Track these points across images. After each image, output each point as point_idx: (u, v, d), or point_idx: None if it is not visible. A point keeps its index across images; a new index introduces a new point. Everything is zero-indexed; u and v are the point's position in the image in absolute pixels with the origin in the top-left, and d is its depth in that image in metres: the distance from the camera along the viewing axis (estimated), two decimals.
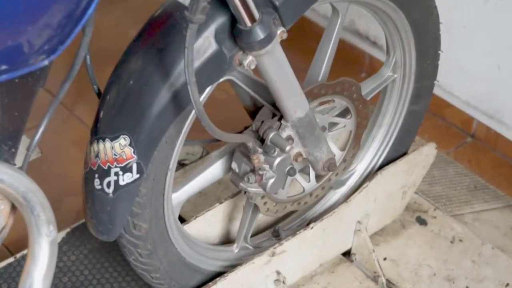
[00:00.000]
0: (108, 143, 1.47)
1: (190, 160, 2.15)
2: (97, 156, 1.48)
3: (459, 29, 2.30)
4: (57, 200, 2.15)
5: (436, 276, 1.92)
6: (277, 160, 1.62)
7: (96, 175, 1.49)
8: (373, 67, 2.56)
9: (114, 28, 2.78)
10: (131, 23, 2.51)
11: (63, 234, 1.94)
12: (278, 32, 1.45)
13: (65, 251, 1.90)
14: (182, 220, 1.94)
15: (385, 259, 1.96)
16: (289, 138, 1.62)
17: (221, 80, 1.49)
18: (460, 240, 2.00)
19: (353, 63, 2.64)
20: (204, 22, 1.34)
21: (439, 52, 1.83)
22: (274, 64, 1.49)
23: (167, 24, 1.45)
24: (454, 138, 2.41)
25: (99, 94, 1.55)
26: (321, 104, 1.68)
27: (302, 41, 2.59)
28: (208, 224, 1.84)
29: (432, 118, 2.46)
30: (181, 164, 2.14)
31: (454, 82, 2.38)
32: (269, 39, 1.42)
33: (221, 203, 1.84)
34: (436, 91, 2.38)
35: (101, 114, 1.49)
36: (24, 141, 1.34)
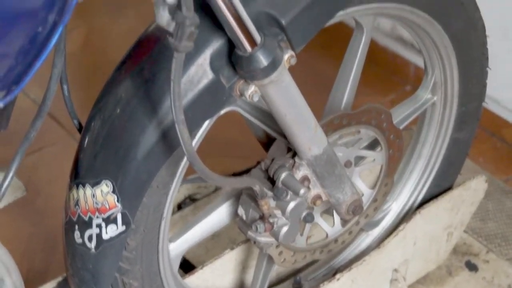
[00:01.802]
0: (88, 190, 1.44)
1: (203, 194, 2.10)
2: (76, 204, 1.46)
3: None
4: (55, 239, 2.10)
5: None
6: (291, 205, 1.56)
7: (76, 227, 1.46)
8: (419, 78, 2.50)
9: (125, 36, 2.73)
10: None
11: (53, 284, 1.90)
12: (286, 57, 1.39)
13: None
14: (190, 266, 1.89)
15: None
16: (305, 179, 1.56)
17: (221, 112, 1.45)
18: None
19: (396, 74, 2.63)
20: (197, 48, 1.31)
21: (487, 69, 1.78)
22: (282, 95, 1.43)
23: (155, 50, 1.42)
24: None
25: (80, 129, 1.52)
26: (344, 135, 1.61)
27: (339, 50, 2.53)
28: (218, 275, 1.79)
29: (489, 139, 2.44)
30: (191, 199, 2.08)
31: None
32: (273, 66, 1.36)
33: (232, 249, 1.80)
34: (494, 108, 2.35)
35: (81, 154, 1.47)
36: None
